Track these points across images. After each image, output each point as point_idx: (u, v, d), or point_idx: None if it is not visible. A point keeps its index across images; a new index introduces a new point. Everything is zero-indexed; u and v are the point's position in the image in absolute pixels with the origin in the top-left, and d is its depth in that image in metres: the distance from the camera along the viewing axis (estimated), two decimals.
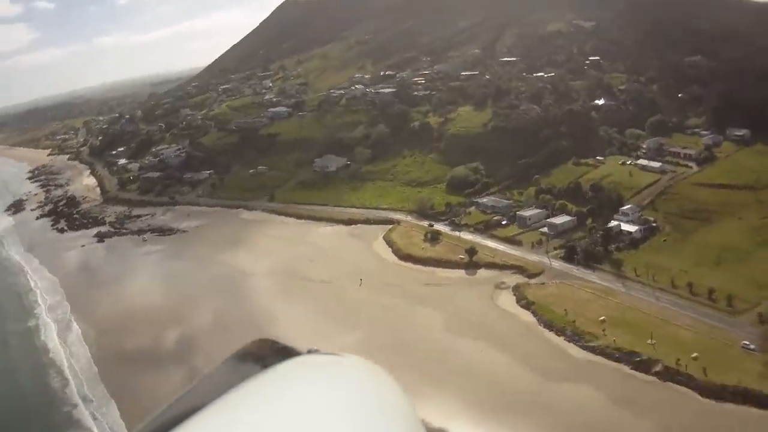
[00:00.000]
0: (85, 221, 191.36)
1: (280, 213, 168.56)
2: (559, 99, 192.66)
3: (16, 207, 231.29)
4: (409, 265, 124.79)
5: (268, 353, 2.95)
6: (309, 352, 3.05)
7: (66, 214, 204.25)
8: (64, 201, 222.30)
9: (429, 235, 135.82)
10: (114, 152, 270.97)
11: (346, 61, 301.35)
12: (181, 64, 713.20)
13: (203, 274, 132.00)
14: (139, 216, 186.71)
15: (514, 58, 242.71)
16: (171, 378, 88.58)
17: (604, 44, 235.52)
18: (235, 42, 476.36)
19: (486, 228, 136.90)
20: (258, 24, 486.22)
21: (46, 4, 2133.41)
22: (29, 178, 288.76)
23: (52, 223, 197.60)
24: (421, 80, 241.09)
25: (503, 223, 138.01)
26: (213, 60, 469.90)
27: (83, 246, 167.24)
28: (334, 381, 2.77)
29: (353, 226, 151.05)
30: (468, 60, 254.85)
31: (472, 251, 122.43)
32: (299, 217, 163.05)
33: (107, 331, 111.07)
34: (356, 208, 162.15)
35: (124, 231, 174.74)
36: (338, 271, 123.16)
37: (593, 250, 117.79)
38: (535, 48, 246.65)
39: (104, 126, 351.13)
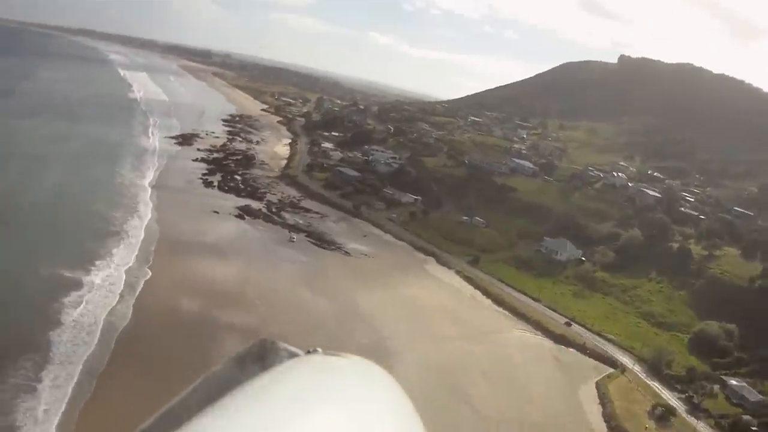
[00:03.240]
0: (243, 187, 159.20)
1: (476, 285, 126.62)
2: None
3: (187, 140, 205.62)
4: None
5: (269, 354, 2.96)
6: (309, 352, 3.03)
7: (228, 170, 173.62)
8: (239, 157, 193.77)
9: (658, 411, 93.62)
10: (326, 133, 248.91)
11: (611, 145, 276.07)
12: (437, 91, 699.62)
13: (334, 325, 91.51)
14: (306, 210, 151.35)
15: None
16: None
17: None
18: (502, 84, 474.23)
19: (732, 430, 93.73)
20: (533, 75, 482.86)
21: None
22: (225, 120, 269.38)
23: (205, 172, 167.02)
24: (689, 197, 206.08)
25: (753, 429, 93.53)
26: (473, 93, 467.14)
27: (216, 213, 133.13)
28: (335, 381, 2.83)
29: (562, 346, 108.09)
30: (742, 195, 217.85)
31: None
32: (498, 301, 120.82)
33: (155, 336, 76.01)
34: (575, 321, 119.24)
35: (277, 219, 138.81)
36: (517, 414, 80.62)
37: None
38: None
39: (335, 108, 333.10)
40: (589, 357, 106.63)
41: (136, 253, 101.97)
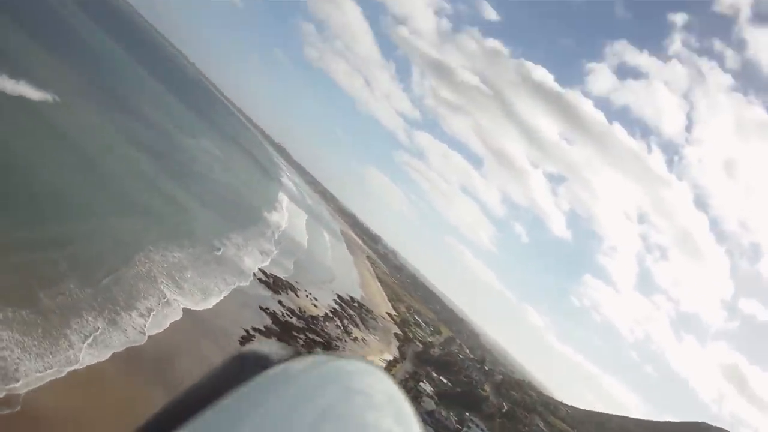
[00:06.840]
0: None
1: None
2: None
3: (279, 286, 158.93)
4: None
5: (268, 354, 2.93)
6: (309, 353, 3.03)
7: (290, 343, 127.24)
8: (319, 339, 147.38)
9: None
10: (435, 374, 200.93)
11: None
12: (560, 390, 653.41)
13: None
14: None
15: None
16: None
17: None
18: (628, 415, 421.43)
19: None
20: (661, 420, 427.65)
21: None
22: (339, 296, 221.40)
23: (259, 329, 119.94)
24: None
25: None
26: (597, 411, 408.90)
27: None
28: (335, 381, 2.66)
29: None
30: None
31: None
32: None
33: None
34: None
35: None
36: None
37: None
38: None
39: (460, 355, 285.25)
40: None
41: None
